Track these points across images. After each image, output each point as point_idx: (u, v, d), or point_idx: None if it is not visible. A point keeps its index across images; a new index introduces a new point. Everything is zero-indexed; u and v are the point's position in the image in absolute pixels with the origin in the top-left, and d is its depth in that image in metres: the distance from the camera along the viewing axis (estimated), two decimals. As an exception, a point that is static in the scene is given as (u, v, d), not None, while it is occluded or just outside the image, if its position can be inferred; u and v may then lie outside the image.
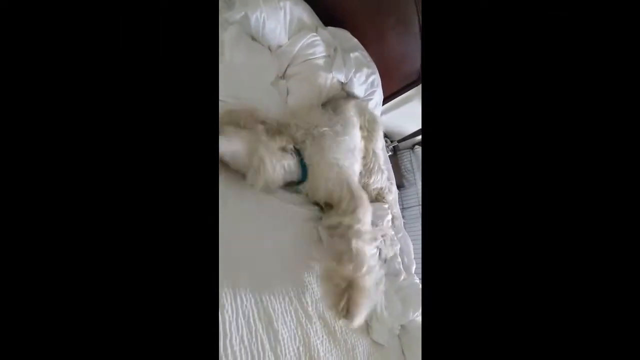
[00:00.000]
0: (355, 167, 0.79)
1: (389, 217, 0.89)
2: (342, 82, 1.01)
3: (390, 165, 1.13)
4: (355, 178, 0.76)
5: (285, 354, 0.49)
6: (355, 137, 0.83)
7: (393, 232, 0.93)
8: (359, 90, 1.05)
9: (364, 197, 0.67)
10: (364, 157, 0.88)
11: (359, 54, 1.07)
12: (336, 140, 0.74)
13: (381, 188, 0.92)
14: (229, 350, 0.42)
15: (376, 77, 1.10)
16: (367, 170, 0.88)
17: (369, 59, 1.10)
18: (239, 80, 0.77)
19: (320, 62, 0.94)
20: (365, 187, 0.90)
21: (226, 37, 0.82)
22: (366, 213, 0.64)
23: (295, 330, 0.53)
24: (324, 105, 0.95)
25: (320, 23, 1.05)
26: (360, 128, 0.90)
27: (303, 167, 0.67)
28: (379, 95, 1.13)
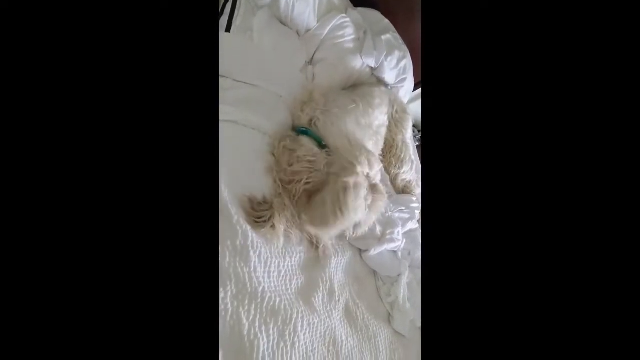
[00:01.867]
0: (369, 144, 0.74)
1: (419, 211, 0.86)
2: (372, 68, 0.96)
3: (418, 157, 1.09)
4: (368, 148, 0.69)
5: (314, 336, 0.51)
6: (373, 118, 0.79)
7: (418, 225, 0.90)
8: (389, 75, 1.00)
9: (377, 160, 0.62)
10: (394, 148, 0.85)
11: (391, 36, 1.01)
12: (347, 110, 0.71)
13: (409, 181, 0.89)
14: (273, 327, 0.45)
15: (408, 62, 1.04)
16: (398, 160, 0.85)
17: (400, 41, 1.04)
18: (268, 66, 0.76)
19: (349, 45, 0.91)
20: (394, 178, 0.88)
21: (255, 22, 0.81)
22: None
23: (324, 315, 0.55)
24: (347, 89, 0.92)
25: (350, 4, 1.00)
26: (389, 118, 0.86)
27: (317, 140, 0.64)
28: (409, 82, 1.07)
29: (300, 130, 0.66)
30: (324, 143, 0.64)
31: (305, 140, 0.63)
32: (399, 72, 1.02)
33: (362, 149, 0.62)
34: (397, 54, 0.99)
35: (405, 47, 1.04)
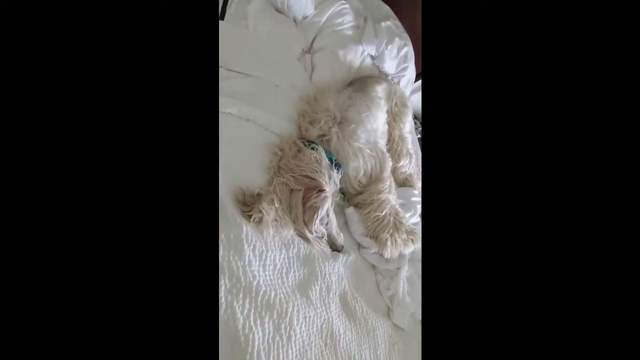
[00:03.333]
0: (379, 145, 0.76)
1: (420, 205, 0.85)
2: (372, 56, 0.93)
3: (419, 149, 1.06)
4: (384, 159, 0.74)
5: (311, 329, 0.51)
6: (379, 119, 0.79)
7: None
8: (389, 65, 0.97)
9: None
10: (391, 142, 0.84)
11: (391, 23, 0.97)
12: (360, 118, 0.70)
13: (410, 174, 0.87)
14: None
15: (409, 50, 1.00)
16: (395, 154, 0.83)
17: (401, 28, 1.00)
18: (263, 54, 0.74)
19: (349, 32, 0.88)
20: (393, 171, 0.86)
21: (250, 9, 0.79)
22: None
23: (321, 308, 0.54)
24: (350, 83, 0.89)
25: (349, -11, 0.97)
26: (388, 112, 0.85)
27: (331, 159, 0.65)
28: (411, 70, 1.04)
29: (311, 146, 0.64)
30: (335, 159, 0.65)
31: (319, 150, 0.63)
32: (399, 61, 0.98)
33: (384, 179, 0.69)
34: (397, 41, 0.96)
35: (406, 35, 1.01)
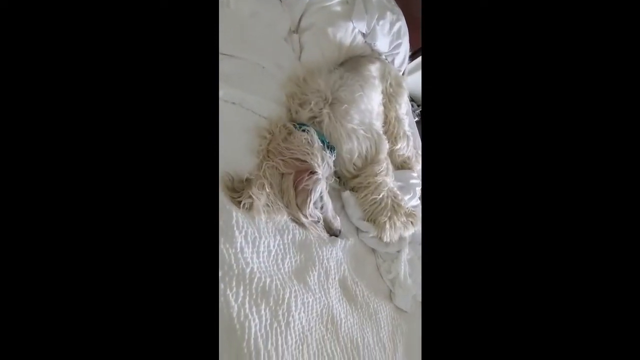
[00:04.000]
0: (375, 127, 0.73)
1: (419, 187, 0.82)
2: (363, 33, 0.88)
3: (417, 131, 1.03)
4: (381, 142, 0.71)
5: (310, 315, 0.49)
6: (373, 100, 0.76)
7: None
8: (382, 42, 0.92)
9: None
10: (387, 124, 0.81)
11: (382, -4, 0.92)
12: (353, 98, 0.67)
13: (408, 157, 0.85)
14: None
15: (402, 25, 0.96)
16: (391, 137, 0.80)
17: (393, 2, 0.95)
18: (246, 34, 0.70)
19: (338, 9, 0.83)
20: (390, 154, 0.84)
21: (231, -13, 0.74)
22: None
23: (320, 293, 0.53)
24: (342, 63, 0.85)
25: (337, -38, 0.91)
26: (383, 93, 0.81)
27: (323, 141, 0.62)
28: (405, 47, 0.99)
29: (302, 129, 0.61)
30: (328, 141, 0.62)
31: (311, 132, 0.60)
32: (392, 37, 0.94)
33: (380, 161, 0.67)
34: (389, 16, 0.91)
35: (398, 9, 0.96)
